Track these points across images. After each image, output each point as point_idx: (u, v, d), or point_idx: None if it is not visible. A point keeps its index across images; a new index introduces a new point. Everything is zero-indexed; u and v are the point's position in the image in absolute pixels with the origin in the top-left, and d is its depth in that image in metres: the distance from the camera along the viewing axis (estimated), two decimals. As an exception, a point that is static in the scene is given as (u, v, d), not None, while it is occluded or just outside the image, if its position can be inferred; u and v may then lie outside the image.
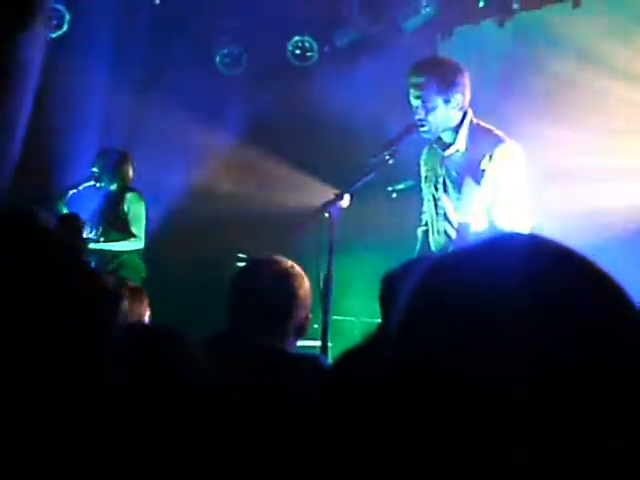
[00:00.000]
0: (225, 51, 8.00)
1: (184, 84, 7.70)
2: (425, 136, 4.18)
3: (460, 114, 4.14)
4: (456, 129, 4.15)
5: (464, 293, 0.82)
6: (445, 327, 0.81)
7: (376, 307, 2.81)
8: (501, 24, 6.98)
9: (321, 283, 3.86)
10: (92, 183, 6.82)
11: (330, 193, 4.09)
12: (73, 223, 5.67)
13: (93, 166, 6.82)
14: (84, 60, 7.41)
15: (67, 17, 7.51)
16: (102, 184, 6.81)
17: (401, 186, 5.41)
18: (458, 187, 4.18)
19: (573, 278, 0.81)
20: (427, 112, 4.07)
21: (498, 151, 4.07)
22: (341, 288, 4.25)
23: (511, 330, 0.79)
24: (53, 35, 7.51)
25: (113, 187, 6.82)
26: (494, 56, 6.88)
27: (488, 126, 4.20)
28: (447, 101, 4.08)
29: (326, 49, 7.90)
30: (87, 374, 1.15)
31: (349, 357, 1.18)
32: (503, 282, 0.81)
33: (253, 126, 7.71)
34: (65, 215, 6.08)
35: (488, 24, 7.09)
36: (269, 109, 7.67)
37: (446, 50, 6.89)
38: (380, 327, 2.12)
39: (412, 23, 7.36)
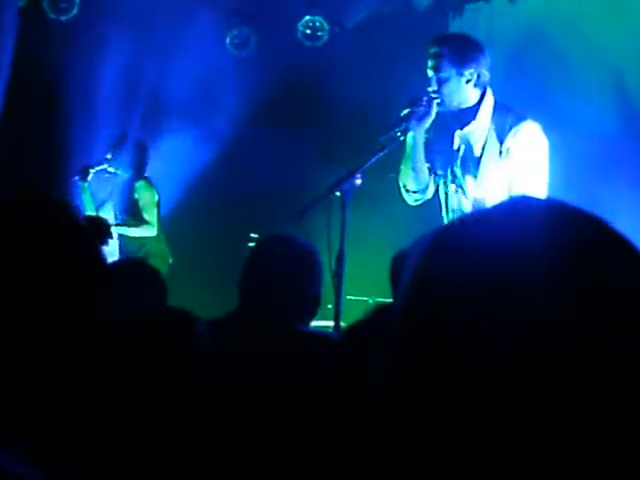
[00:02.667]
0: (235, 32, 7.98)
1: (195, 66, 7.68)
2: (439, 109, 4.15)
3: (477, 92, 4.12)
4: (475, 107, 4.13)
5: (479, 257, 0.79)
6: (459, 292, 0.78)
7: (389, 287, 2.80)
8: (512, 0, 6.93)
9: (333, 263, 3.85)
10: (104, 167, 6.83)
11: (342, 172, 4.08)
12: (100, 225, 5.69)
13: (109, 152, 6.83)
14: (94, 42, 7.40)
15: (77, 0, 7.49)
16: (118, 171, 6.83)
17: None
18: (476, 163, 4.15)
19: (594, 241, 0.79)
20: (440, 83, 4.06)
21: (522, 129, 4.06)
22: (354, 268, 4.24)
23: (533, 297, 0.76)
24: (63, 18, 7.51)
25: (128, 174, 6.83)
26: (504, 33, 6.84)
27: (510, 106, 4.18)
28: (460, 74, 4.06)
29: (336, 29, 7.86)
30: (85, 352, 1.15)
31: (357, 329, 1.17)
32: (522, 246, 0.78)
33: (263, 107, 7.68)
34: (93, 217, 6.09)
35: (499, 1, 7.04)
36: (279, 90, 7.64)
37: (457, 28, 6.85)
38: (390, 305, 2.11)
39: (423, 1, 7.30)
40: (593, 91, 6.23)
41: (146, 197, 6.79)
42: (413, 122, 4.11)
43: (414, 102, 4.12)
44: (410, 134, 4.16)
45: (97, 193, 6.96)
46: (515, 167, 4.05)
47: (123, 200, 6.83)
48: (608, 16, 6.27)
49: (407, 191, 4.37)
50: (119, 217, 6.80)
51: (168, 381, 1.60)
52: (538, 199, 0.84)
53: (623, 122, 6.17)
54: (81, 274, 1.22)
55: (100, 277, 1.26)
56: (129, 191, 6.82)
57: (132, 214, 6.77)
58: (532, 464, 0.75)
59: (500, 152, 4.08)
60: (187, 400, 1.61)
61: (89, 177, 6.79)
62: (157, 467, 1.52)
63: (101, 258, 1.28)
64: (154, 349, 1.63)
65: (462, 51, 4.08)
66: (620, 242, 0.80)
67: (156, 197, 6.84)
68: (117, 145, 6.84)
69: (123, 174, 6.84)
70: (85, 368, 1.19)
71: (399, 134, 4.09)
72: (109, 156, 6.81)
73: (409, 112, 4.11)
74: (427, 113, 4.12)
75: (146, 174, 6.89)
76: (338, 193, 3.97)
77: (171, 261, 6.81)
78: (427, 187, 4.35)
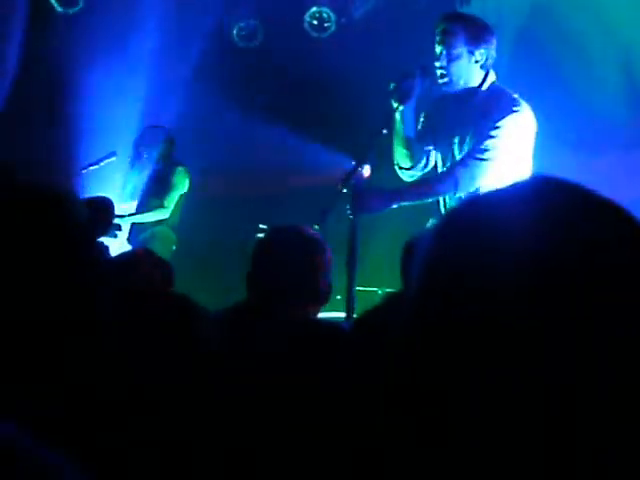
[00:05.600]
0: (241, 24, 7.97)
1: (200, 58, 7.68)
2: (444, 88, 4.13)
3: (482, 73, 4.10)
4: (476, 88, 4.11)
5: (476, 241, 0.82)
6: (460, 275, 0.81)
7: (399, 278, 2.79)
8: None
9: (346, 254, 3.86)
10: (113, 159, 6.85)
11: (351, 164, 4.08)
12: (101, 205, 5.75)
13: (138, 143, 6.87)
14: (99, 36, 7.41)
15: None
16: (147, 161, 6.86)
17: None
18: (469, 141, 4.15)
19: (586, 227, 0.81)
20: (450, 60, 4.04)
21: (509, 117, 4.02)
22: (365, 259, 4.24)
23: (519, 276, 0.79)
24: (69, 11, 7.51)
25: (158, 165, 6.86)
26: (512, 18, 6.82)
27: (508, 90, 4.17)
28: (471, 52, 4.04)
29: (343, 19, 7.85)
30: (82, 338, 1.14)
31: (369, 317, 1.17)
32: (514, 230, 0.81)
33: (271, 99, 7.67)
34: (94, 198, 6.12)
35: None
36: (286, 82, 7.63)
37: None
38: (400, 293, 2.10)
39: (429, -11, 7.29)
40: (602, 70, 6.21)
41: (178, 182, 6.84)
42: (396, 97, 4.13)
43: (402, 77, 4.13)
44: (398, 111, 4.17)
45: (107, 187, 6.99)
46: (483, 131, 4.04)
47: (152, 190, 6.85)
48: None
49: (400, 168, 4.39)
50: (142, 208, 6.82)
51: (167, 374, 1.58)
52: (541, 180, 0.87)
53: (631, 99, 6.14)
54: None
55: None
56: (162, 180, 6.85)
57: (158, 197, 6.81)
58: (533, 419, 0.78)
59: (489, 132, 4.06)
60: (190, 391, 1.60)
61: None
62: (157, 466, 1.51)
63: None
64: (150, 339, 1.62)
65: (475, 30, 4.07)
66: (618, 218, 0.82)
67: (186, 186, 6.88)
68: (147, 137, 6.88)
69: (152, 164, 6.89)
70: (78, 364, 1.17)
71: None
72: (141, 146, 6.87)
73: (394, 87, 4.12)
74: (412, 88, 4.12)
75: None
76: (349, 184, 3.98)
77: (174, 248, 6.81)
78: (420, 162, 4.34)
